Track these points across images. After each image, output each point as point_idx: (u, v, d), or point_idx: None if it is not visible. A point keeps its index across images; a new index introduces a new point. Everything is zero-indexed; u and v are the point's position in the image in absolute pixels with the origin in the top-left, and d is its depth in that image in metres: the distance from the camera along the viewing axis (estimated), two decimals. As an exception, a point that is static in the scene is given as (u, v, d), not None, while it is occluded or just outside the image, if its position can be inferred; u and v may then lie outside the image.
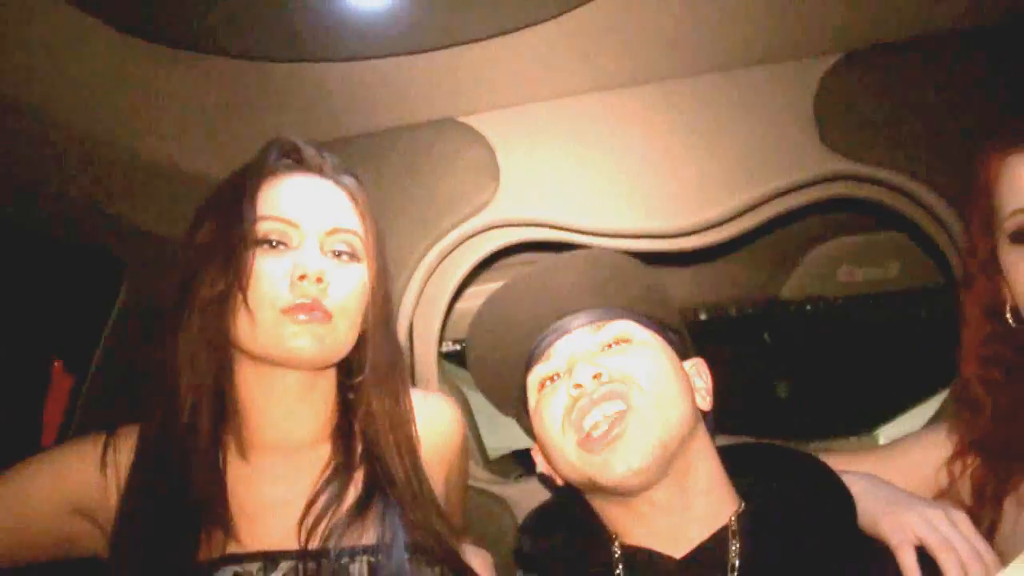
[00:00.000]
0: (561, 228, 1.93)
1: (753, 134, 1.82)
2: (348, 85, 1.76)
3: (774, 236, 2.34)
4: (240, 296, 1.26)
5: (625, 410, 1.20)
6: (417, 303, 1.94)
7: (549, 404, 1.28)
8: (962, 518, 1.19)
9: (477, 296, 2.49)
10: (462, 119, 1.95)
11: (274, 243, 1.32)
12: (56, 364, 2.03)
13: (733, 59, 1.80)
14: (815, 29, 1.71)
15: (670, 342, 1.35)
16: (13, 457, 1.78)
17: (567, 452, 1.25)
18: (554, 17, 1.57)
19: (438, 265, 1.96)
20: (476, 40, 1.64)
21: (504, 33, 1.62)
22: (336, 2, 1.45)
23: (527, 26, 1.59)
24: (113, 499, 1.32)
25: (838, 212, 2.06)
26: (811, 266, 2.79)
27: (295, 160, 1.41)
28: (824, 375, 3.39)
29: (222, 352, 1.32)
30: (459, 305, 2.30)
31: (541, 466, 1.39)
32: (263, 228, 1.31)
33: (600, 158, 1.90)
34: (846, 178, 1.78)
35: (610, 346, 1.30)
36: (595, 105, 1.90)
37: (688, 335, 1.46)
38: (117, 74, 1.56)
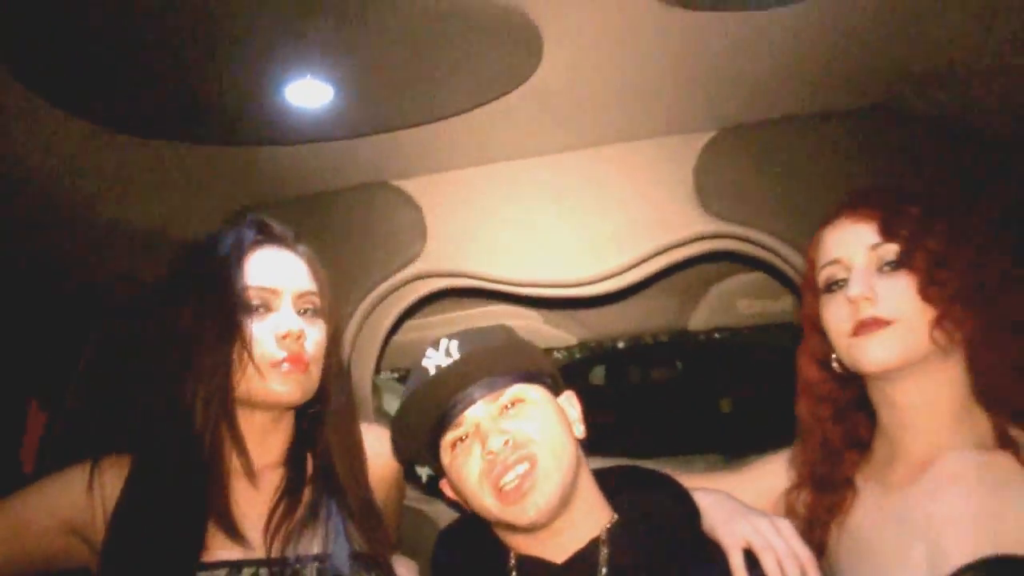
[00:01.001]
0: (480, 279, 2.21)
1: (643, 198, 2.11)
2: (290, 157, 2.02)
3: (682, 274, 2.59)
4: (245, 356, 1.50)
5: (531, 468, 1.44)
6: (354, 345, 2.20)
7: (465, 462, 1.50)
8: (784, 524, 1.46)
9: (416, 329, 2.77)
10: (394, 183, 2.22)
11: (259, 308, 1.55)
12: (33, 404, 2.25)
13: (626, 134, 2.10)
14: (696, 109, 2.00)
15: (547, 387, 1.59)
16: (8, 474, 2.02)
17: (486, 502, 1.48)
18: (479, 106, 1.85)
19: (371, 311, 2.22)
20: (408, 127, 1.91)
21: (434, 121, 1.89)
22: (279, 100, 1.71)
23: (455, 115, 1.87)
24: (100, 518, 1.53)
25: (716, 262, 2.37)
26: (714, 300, 3.08)
27: (266, 235, 1.64)
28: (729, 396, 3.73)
29: (229, 398, 1.53)
30: (398, 338, 2.57)
31: (449, 495, 1.63)
32: (250, 296, 1.54)
33: (515, 218, 2.18)
34: (720, 236, 2.09)
35: (507, 407, 1.52)
36: (512, 172, 2.18)
37: (558, 373, 1.71)
38: (78, 154, 1.80)
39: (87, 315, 2.25)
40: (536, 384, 1.54)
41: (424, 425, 1.54)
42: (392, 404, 2.54)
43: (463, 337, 1.56)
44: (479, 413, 1.50)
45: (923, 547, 1.39)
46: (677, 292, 3.00)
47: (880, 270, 1.45)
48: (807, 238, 1.64)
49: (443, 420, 1.52)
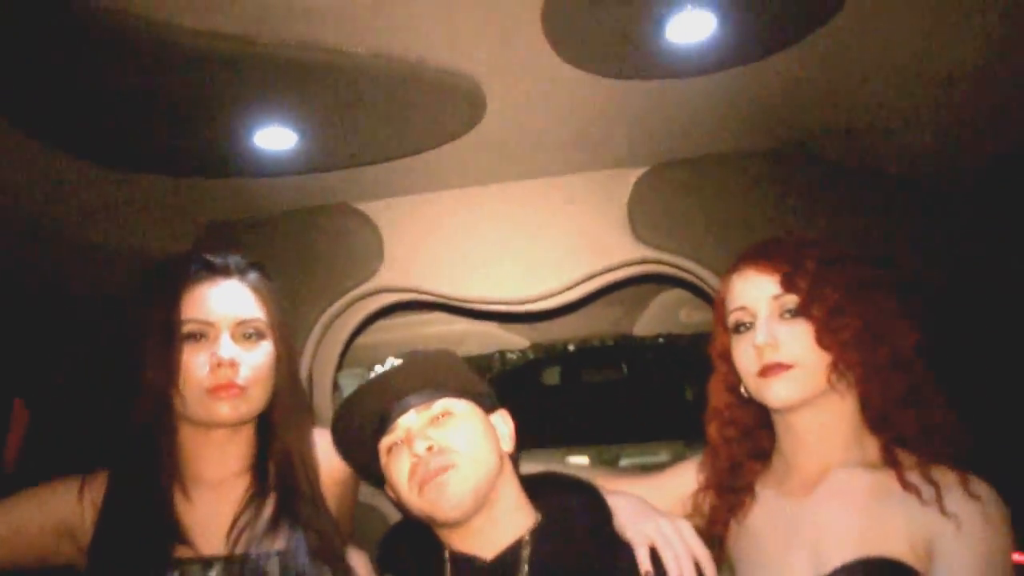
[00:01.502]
0: (432, 295, 2.41)
1: (580, 225, 2.33)
2: (257, 182, 2.21)
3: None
4: (175, 382, 1.68)
5: (450, 469, 1.63)
6: (315, 354, 2.39)
7: (397, 465, 1.69)
8: (685, 525, 1.66)
9: (381, 330, 2.97)
10: (354, 205, 2.41)
11: (197, 337, 1.70)
12: (16, 402, 2.43)
13: (567, 168, 2.31)
14: (629, 148, 2.22)
15: (480, 404, 1.77)
16: None
17: (412, 499, 1.67)
18: (430, 149, 2.06)
19: (332, 322, 2.42)
20: (366, 165, 2.12)
21: (389, 160, 2.10)
22: (248, 144, 1.90)
23: (408, 155, 2.07)
24: (88, 521, 1.72)
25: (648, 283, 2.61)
26: (657, 309, 3.31)
27: (208, 269, 1.77)
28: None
29: (168, 418, 1.72)
30: (362, 339, 2.77)
31: (391, 496, 1.80)
32: (187, 328, 1.69)
33: (464, 240, 2.38)
34: (649, 262, 2.31)
35: (437, 419, 1.70)
36: (462, 198, 2.38)
37: (494, 393, 1.87)
38: (64, 184, 1.99)
39: (71, 322, 2.43)
40: (466, 400, 1.73)
41: (366, 429, 1.73)
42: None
43: (408, 357, 1.74)
44: (411, 421, 1.68)
45: (808, 550, 1.59)
46: (624, 302, 3.21)
47: (782, 316, 1.62)
48: (725, 264, 1.85)
49: (381, 425, 1.70)
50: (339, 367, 2.52)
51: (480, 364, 3.88)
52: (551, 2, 1.46)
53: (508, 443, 1.74)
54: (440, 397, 1.70)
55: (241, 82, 1.63)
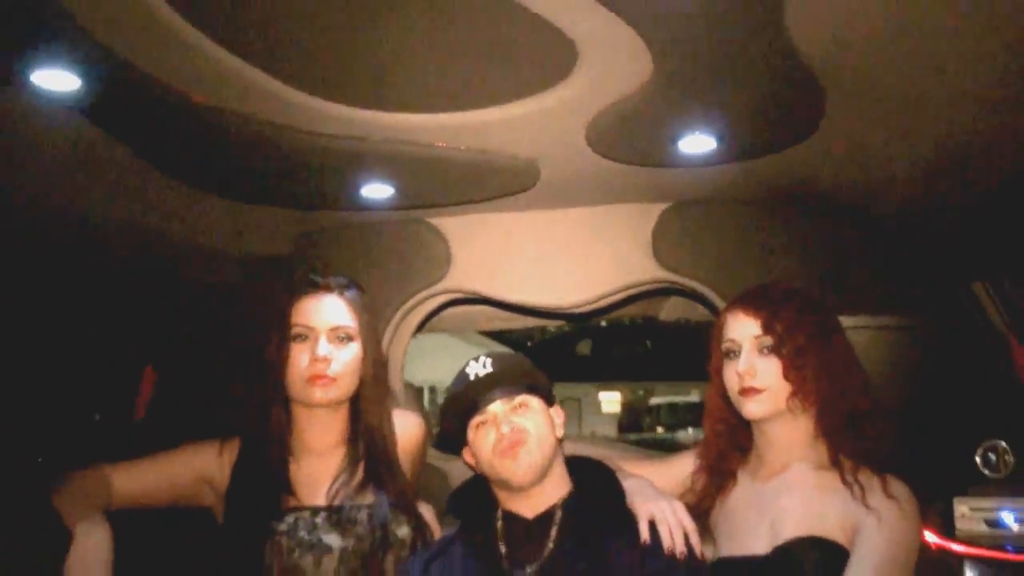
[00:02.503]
0: (489, 296, 2.93)
1: (612, 247, 2.83)
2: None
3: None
4: (285, 371, 2.17)
5: (524, 447, 2.05)
6: (391, 340, 2.93)
7: (483, 440, 2.10)
8: (679, 505, 2.09)
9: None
10: (429, 220, 2.92)
11: (302, 338, 2.18)
12: (147, 368, 2.99)
13: (608, 200, 2.80)
14: (657, 190, 2.69)
15: (545, 399, 2.19)
16: (119, 424, 2.72)
17: (492, 465, 2.09)
18: (502, 197, 2.58)
19: (405, 317, 2.95)
20: (449, 207, 2.64)
21: (469, 204, 2.63)
22: (356, 197, 2.43)
23: (483, 201, 2.59)
24: (225, 474, 2.20)
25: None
26: (679, 299, 3.77)
27: (313, 287, 2.25)
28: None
29: (285, 399, 2.25)
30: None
31: (468, 459, 2.23)
32: (295, 331, 2.18)
33: (517, 253, 2.88)
34: (666, 281, 2.82)
35: (516, 408, 2.05)
36: (519, 220, 2.88)
37: (553, 392, 2.29)
38: (180, 207, 2.50)
39: (195, 306, 2.98)
40: (537, 396, 2.10)
41: (461, 409, 2.15)
42: (414, 364, 3.30)
43: (495, 357, 2.14)
44: (497, 408, 2.06)
45: (768, 525, 2.02)
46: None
47: (760, 351, 2.06)
48: (727, 288, 2.33)
49: (474, 409, 2.08)
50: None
51: (524, 336, 4.40)
52: (592, 131, 1.97)
53: (560, 430, 2.18)
54: (519, 393, 2.09)
55: (354, 161, 2.16)
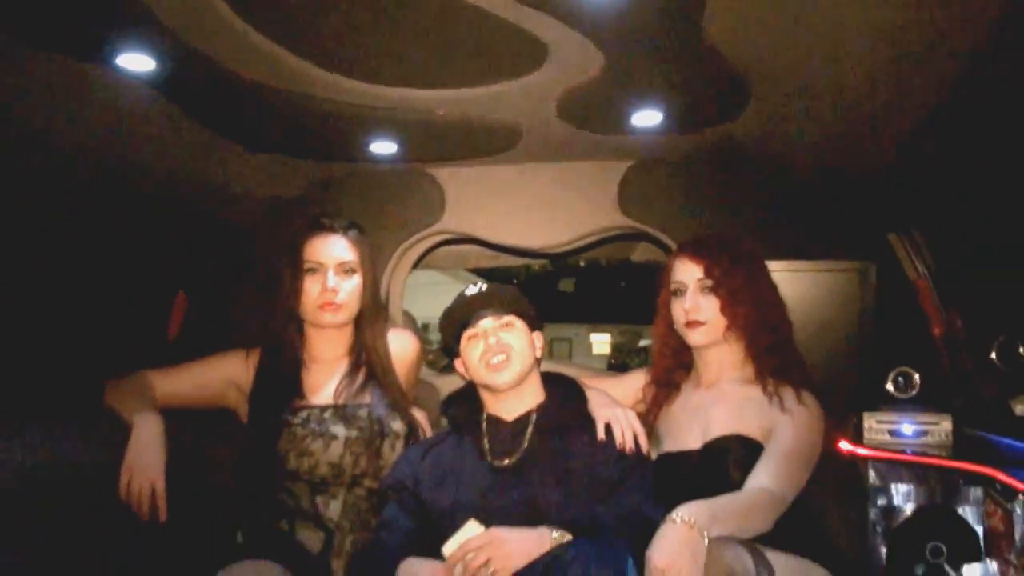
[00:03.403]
0: (478, 237, 3.35)
1: (587, 198, 3.23)
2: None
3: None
4: (299, 299, 2.51)
5: (506, 359, 2.28)
6: (391, 276, 3.32)
7: (474, 349, 2.33)
8: (631, 413, 2.36)
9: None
10: (426, 169, 3.30)
11: (313, 272, 2.49)
12: (180, 293, 3.37)
13: (582, 156, 3.18)
14: (622, 149, 3.07)
15: (529, 324, 2.39)
16: (157, 339, 3.11)
17: (481, 372, 2.32)
18: (489, 155, 3.00)
19: (404, 254, 3.36)
20: (443, 162, 3.06)
21: (462, 160, 3.05)
22: (366, 151, 2.85)
23: (473, 158, 3.01)
24: (250, 378, 2.55)
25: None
26: (648, 243, 4.17)
27: (321, 227, 2.55)
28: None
29: (298, 320, 2.55)
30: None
31: (459, 369, 2.53)
32: (307, 266, 2.49)
33: (503, 201, 3.28)
34: (630, 228, 3.23)
35: (504, 326, 2.34)
36: (506, 171, 3.26)
37: (538, 319, 2.48)
38: (208, 154, 2.86)
39: (217, 240, 3.37)
40: (522, 319, 2.40)
41: (456, 323, 2.39)
42: (408, 302, 3.72)
43: (489, 285, 2.42)
44: (487, 324, 2.35)
45: (702, 426, 2.38)
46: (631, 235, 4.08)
47: (701, 291, 2.39)
48: (681, 235, 2.71)
49: (467, 323, 2.37)
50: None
51: (510, 274, 4.82)
52: (560, 106, 2.43)
53: (539, 352, 2.44)
54: (507, 313, 2.38)
55: (364, 123, 2.61)
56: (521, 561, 2.02)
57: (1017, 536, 2.23)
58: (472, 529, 2.10)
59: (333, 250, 2.55)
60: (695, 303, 2.42)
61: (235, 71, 2.18)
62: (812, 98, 2.30)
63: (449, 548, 2.08)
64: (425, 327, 6.36)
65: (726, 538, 1.92)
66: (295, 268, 2.54)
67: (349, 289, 2.55)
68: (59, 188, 2.62)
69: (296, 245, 2.56)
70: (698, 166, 3.15)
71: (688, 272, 2.46)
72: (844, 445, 2.74)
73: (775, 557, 1.97)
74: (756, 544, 2.00)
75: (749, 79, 2.24)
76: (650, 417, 2.57)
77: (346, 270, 2.56)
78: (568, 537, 2.05)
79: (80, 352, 2.89)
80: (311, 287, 2.53)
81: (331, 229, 2.58)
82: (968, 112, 2.00)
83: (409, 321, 3.43)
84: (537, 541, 2.06)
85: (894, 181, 2.66)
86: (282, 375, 2.56)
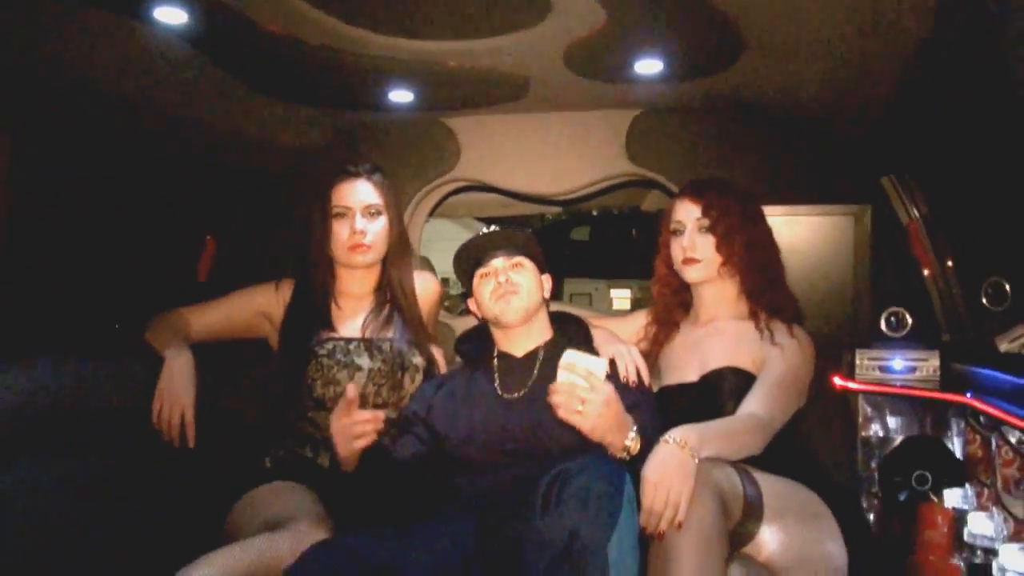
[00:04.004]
0: (492, 184, 3.49)
1: (597, 146, 3.36)
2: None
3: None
4: (330, 241, 2.65)
5: (515, 295, 2.41)
6: (409, 222, 3.45)
7: (485, 287, 2.45)
8: (634, 348, 2.51)
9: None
10: (441, 119, 3.44)
11: (342, 216, 2.63)
12: (209, 237, 3.53)
13: (592, 106, 3.31)
14: (631, 98, 3.21)
15: (538, 265, 2.50)
16: (188, 282, 3.26)
17: (490, 308, 2.44)
18: (502, 103, 3.14)
19: (423, 199, 3.51)
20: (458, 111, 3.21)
21: (476, 108, 3.19)
22: (384, 99, 3.01)
23: (488, 106, 3.15)
24: (280, 310, 2.69)
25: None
26: (658, 191, 4.30)
27: (348, 172, 2.68)
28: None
29: (329, 259, 2.68)
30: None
31: (472, 307, 2.69)
32: (335, 211, 2.62)
33: (516, 148, 3.42)
34: (637, 175, 3.37)
35: (514, 266, 2.43)
36: (518, 120, 3.39)
37: (544, 260, 2.57)
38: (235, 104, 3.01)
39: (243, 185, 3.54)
40: (532, 260, 2.50)
41: (469, 262, 2.50)
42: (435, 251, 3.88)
43: (502, 227, 2.54)
44: (498, 263, 2.45)
45: (699, 359, 2.52)
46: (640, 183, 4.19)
47: (699, 231, 2.52)
48: (684, 181, 2.80)
49: (479, 262, 2.49)
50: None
51: (526, 222, 4.95)
52: (567, 56, 2.58)
53: (547, 292, 2.57)
54: (518, 255, 2.48)
55: (383, 73, 2.76)
56: (605, 431, 2.10)
57: (995, 461, 2.37)
58: (601, 366, 2.11)
59: (359, 194, 2.68)
60: (692, 241, 2.56)
61: (262, 24, 2.33)
62: (801, 47, 2.42)
63: (568, 360, 2.10)
64: (445, 281, 6.54)
65: (716, 458, 2.07)
66: (325, 212, 2.67)
67: (376, 230, 2.68)
68: (102, 134, 2.79)
69: (325, 191, 2.69)
70: (701, 115, 3.27)
71: (687, 212, 2.59)
72: (837, 381, 2.89)
73: (762, 477, 2.14)
74: (745, 465, 2.16)
75: (741, 29, 2.37)
76: (651, 354, 2.70)
77: (372, 213, 2.68)
78: (637, 446, 2.14)
79: (118, 292, 3.05)
80: (340, 230, 2.66)
81: (356, 174, 2.71)
82: (953, 55, 2.11)
83: (426, 265, 3.59)
84: (626, 426, 2.15)
85: (885, 127, 2.78)
86: (313, 310, 2.70)
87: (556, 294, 5.17)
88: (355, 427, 2.18)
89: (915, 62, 2.23)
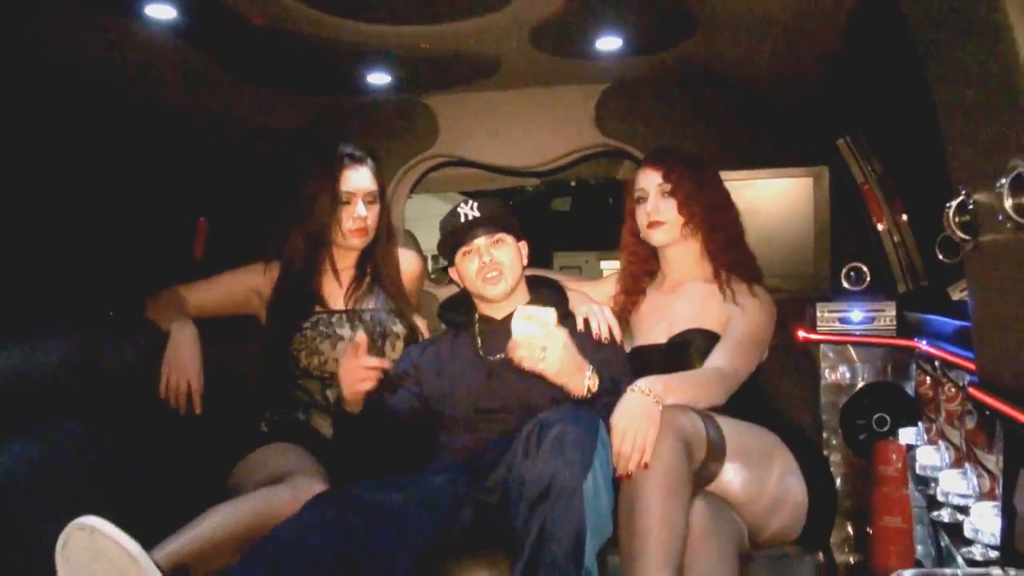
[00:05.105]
0: (470, 159, 3.65)
1: (567, 119, 3.51)
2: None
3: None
4: (333, 224, 2.76)
5: (499, 273, 2.52)
6: (392, 198, 3.59)
7: (469, 265, 2.55)
8: (606, 308, 2.69)
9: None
10: (419, 98, 3.57)
11: (346, 200, 2.73)
12: (201, 219, 3.63)
13: (563, 81, 3.45)
14: (600, 72, 3.35)
15: (516, 235, 2.61)
16: (184, 259, 3.39)
17: (476, 285, 2.56)
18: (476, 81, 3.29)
19: (404, 176, 3.65)
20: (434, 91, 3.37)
21: (451, 88, 3.35)
22: (363, 84, 3.16)
23: (461, 85, 3.31)
24: (269, 287, 2.80)
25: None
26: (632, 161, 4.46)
27: (351, 159, 2.77)
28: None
29: (324, 240, 2.79)
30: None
31: (455, 277, 2.68)
32: (342, 195, 2.72)
33: (491, 125, 3.56)
34: (608, 146, 3.53)
35: (495, 243, 2.53)
36: (493, 97, 3.53)
37: (519, 228, 2.68)
38: (222, 93, 3.14)
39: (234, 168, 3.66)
40: (511, 234, 2.61)
41: (452, 241, 2.60)
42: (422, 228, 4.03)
43: (480, 202, 2.61)
44: (480, 242, 2.55)
45: (666, 322, 2.66)
46: (610, 155, 4.08)
47: (662, 196, 2.64)
48: (649, 146, 3.01)
49: (462, 240, 2.57)
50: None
51: (506, 194, 5.09)
52: (532, 32, 2.73)
53: (525, 260, 2.70)
54: (498, 231, 2.58)
55: (362, 57, 2.91)
56: (563, 374, 2.27)
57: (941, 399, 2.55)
58: (551, 314, 2.26)
59: (362, 181, 2.81)
60: (656, 206, 2.69)
61: (246, 16, 2.49)
62: (748, 19, 2.58)
63: (524, 313, 2.25)
64: (433, 259, 6.70)
65: (681, 405, 2.22)
66: (335, 198, 2.77)
67: (374, 215, 2.83)
68: (101, 124, 2.91)
69: (333, 176, 2.78)
70: (666, 87, 3.42)
71: (649, 179, 2.73)
72: (801, 334, 3.07)
73: (724, 421, 2.29)
74: (708, 412, 2.31)
75: (691, 5, 2.54)
76: (621, 320, 2.82)
77: (371, 200, 2.82)
78: (596, 383, 2.31)
79: (120, 271, 3.15)
80: (345, 214, 2.78)
81: (360, 160, 2.83)
82: (880, 23, 2.24)
83: (410, 239, 3.74)
84: (582, 368, 2.32)
85: (836, 91, 2.94)
86: (301, 287, 2.82)
87: (546, 266, 5.36)
88: (359, 371, 2.33)
89: (851, 31, 2.38)
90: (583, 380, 2.30)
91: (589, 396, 2.30)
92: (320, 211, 2.77)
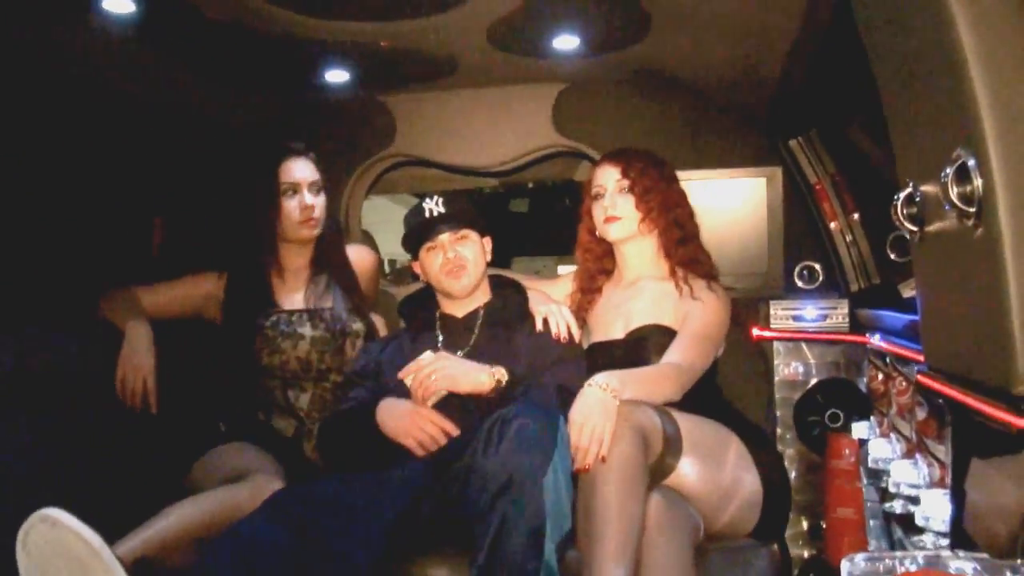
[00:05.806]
0: (428, 159, 3.66)
1: (525, 119, 3.53)
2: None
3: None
4: (278, 218, 2.78)
5: (462, 269, 2.57)
6: (349, 196, 3.64)
7: (434, 260, 2.59)
8: (564, 308, 2.71)
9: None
10: (378, 98, 3.59)
11: (291, 191, 2.76)
12: (156, 219, 3.62)
13: (519, 81, 3.47)
14: (556, 72, 3.37)
15: (480, 231, 2.66)
16: (140, 259, 3.38)
17: (440, 280, 2.60)
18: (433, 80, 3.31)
19: (362, 175, 3.66)
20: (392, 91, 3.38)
21: (410, 87, 3.36)
22: (320, 82, 3.17)
23: (419, 83, 3.32)
24: (222, 290, 2.82)
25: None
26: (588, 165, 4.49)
27: (293, 151, 2.81)
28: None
29: (274, 235, 2.82)
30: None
31: (418, 271, 2.71)
32: (284, 186, 2.75)
33: (449, 124, 3.58)
34: (564, 146, 3.56)
35: (459, 239, 2.58)
36: (451, 96, 3.54)
37: (485, 223, 2.74)
38: (183, 87, 3.16)
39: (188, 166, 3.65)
40: (474, 230, 2.66)
41: (416, 236, 2.63)
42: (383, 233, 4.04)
43: (444, 197, 2.64)
44: (445, 238, 2.59)
45: (623, 319, 2.69)
46: (567, 157, 4.13)
47: (619, 192, 2.67)
48: (608, 149, 2.97)
49: (427, 236, 2.60)
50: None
51: (465, 195, 5.13)
52: (490, 34, 2.76)
53: (488, 256, 2.74)
54: (463, 227, 2.63)
55: (320, 54, 2.92)
56: (463, 382, 2.40)
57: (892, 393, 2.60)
58: (427, 357, 2.44)
59: (305, 172, 2.84)
60: (613, 201, 2.72)
61: (202, 11, 2.48)
62: (702, 20, 2.62)
63: (405, 371, 2.45)
64: (392, 263, 6.71)
65: (637, 400, 2.25)
66: (273, 190, 2.80)
67: (320, 205, 2.85)
68: (55, 119, 2.90)
69: (271, 169, 2.81)
70: (622, 87, 3.45)
71: (607, 176, 2.77)
72: (756, 331, 3.11)
73: (680, 416, 2.33)
74: (665, 407, 2.34)
75: (646, 5, 2.57)
76: (578, 318, 2.84)
77: (316, 189, 2.85)
78: (504, 374, 2.41)
79: (76, 269, 3.12)
80: (290, 206, 2.80)
81: (300, 152, 2.86)
82: (834, 26, 2.30)
83: (367, 238, 3.75)
84: (477, 369, 2.42)
85: (790, 93, 2.98)
86: (256, 286, 2.85)
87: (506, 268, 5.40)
88: (425, 429, 2.41)
89: (804, 32, 2.42)
90: (487, 376, 2.41)
91: (505, 387, 2.40)
92: (261, 204, 2.80)
